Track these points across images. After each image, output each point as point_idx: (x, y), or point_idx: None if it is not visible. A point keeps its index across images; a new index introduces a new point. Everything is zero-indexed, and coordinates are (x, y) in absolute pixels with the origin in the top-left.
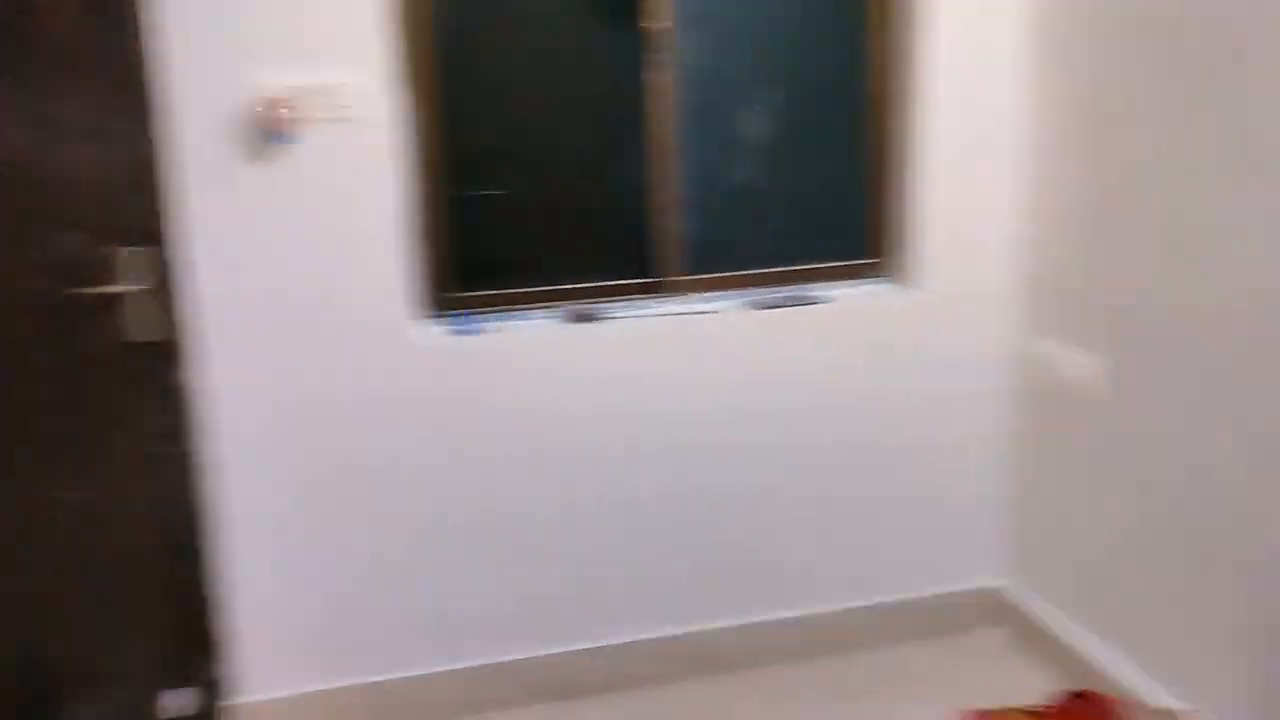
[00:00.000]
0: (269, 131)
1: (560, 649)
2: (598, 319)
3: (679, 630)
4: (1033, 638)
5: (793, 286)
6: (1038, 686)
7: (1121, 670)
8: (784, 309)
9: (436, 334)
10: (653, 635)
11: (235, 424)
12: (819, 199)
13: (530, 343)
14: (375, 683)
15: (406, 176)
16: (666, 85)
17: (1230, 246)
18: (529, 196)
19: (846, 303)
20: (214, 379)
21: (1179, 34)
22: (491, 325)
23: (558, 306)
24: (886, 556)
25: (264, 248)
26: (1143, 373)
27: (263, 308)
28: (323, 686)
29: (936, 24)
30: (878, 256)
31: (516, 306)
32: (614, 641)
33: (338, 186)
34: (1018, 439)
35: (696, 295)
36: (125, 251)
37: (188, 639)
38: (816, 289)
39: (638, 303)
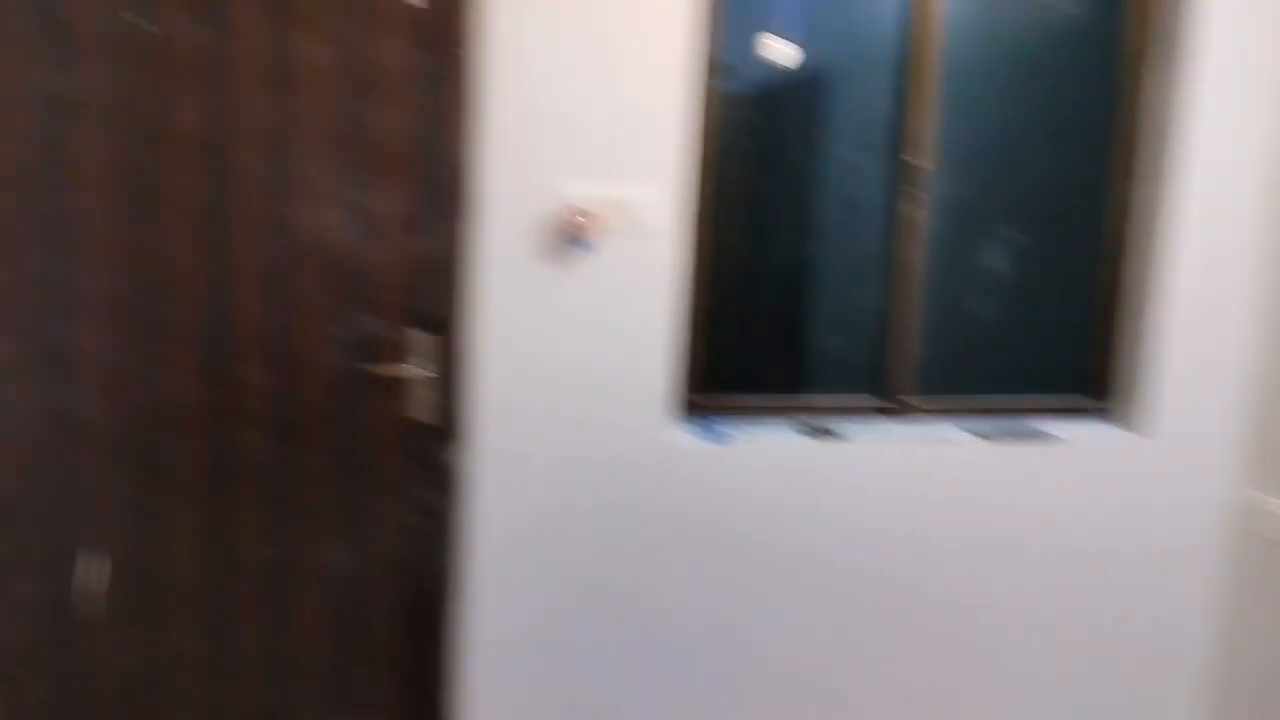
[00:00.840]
0: (569, 238)
1: None
2: (834, 435)
3: None
4: None
5: (1017, 419)
6: None
7: None
8: (1011, 442)
9: (691, 438)
10: None
11: (495, 506)
12: (1048, 337)
13: (775, 454)
14: None
15: (680, 287)
16: (921, 218)
17: None
18: (772, 310)
19: (1070, 441)
20: (481, 463)
21: None
22: (740, 433)
23: (793, 419)
24: (1091, 697)
25: (545, 344)
26: None
27: (536, 400)
28: None
29: (1181, 183)
30: (1101, 398)
31: (756, 416)
32: None
33: (620, 292)
34: (1231, 592)
35: (925, 419)
36: (418, 337)
37: (417, 711)
38: (1039, 424)
39: (872, 423)
